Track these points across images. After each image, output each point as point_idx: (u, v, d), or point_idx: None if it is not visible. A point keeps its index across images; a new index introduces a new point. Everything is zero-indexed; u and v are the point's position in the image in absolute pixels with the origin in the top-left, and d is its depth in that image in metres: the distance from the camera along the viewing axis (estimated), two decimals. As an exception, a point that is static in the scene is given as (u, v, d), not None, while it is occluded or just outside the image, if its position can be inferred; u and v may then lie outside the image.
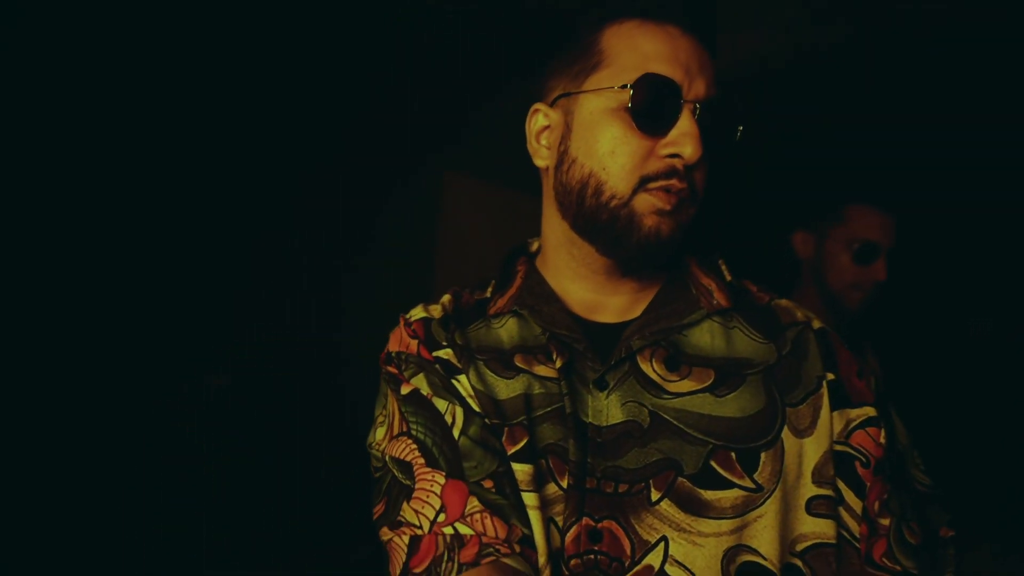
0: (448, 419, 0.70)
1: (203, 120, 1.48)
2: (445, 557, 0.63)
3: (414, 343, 0.75)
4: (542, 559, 0.64)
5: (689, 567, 0.63)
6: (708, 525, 0.64)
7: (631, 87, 0.67)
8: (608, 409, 0.68)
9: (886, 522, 0.68)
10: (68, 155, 1.33)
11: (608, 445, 0.67)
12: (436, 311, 0.78)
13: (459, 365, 0.73)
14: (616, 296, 0.75)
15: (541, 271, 0.79)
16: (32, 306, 1.27)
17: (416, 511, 0.65)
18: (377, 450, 0.72)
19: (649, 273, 0.75)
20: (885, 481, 0.69)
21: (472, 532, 0.63)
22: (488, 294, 0.80)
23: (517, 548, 0.63)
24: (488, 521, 0.64)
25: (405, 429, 0.70)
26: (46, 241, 1.28)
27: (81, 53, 1.39)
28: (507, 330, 0.75)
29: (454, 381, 0.72)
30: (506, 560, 0.62)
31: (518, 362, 0.72)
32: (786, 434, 0.67)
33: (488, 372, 0.72)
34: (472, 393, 0.71)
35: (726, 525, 0.64)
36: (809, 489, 0.67)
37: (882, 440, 0.69)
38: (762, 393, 0.69)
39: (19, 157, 1.26)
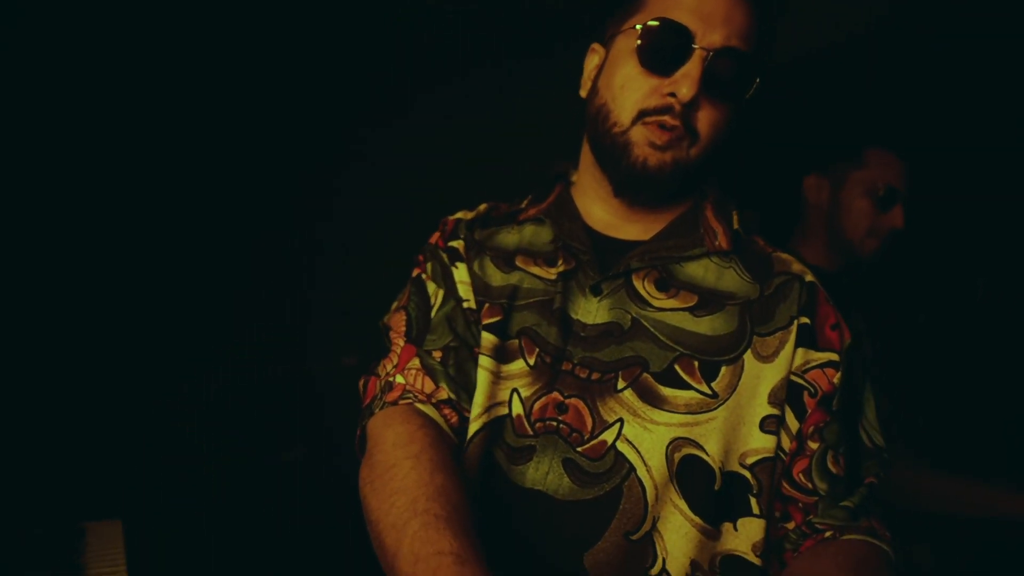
0: (432, 300, 0.86)
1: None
2: (378, 396, 0.81)
3: (438, 236, 0.91)
4: (476, 411, 0.77)
5: (637, 447, 0.73)
6: (660, 416, 0.74)
7: (641, 29, 0.76)
8: (596, 311, 0.80)
9: (815, 445, 0.75)
10: (62, 158, 1.32)
11: (589, 339, 0.78)
12: (469, 215, 0.93)
13: (464, 255, 0.87)
14: (630, 223, 0.85)
15: (573, 194, 0.90)
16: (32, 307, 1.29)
17: (383, 365, 0.84)
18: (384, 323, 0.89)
19: (664, 206, 0.84)
20: (826, 413, 0.76)
21: (403, 382, 0.81)
22: (523, 205, 0.93)
23: (433, 402, 0.79)
24: (419, 378, 0.80)
25: (404, 303, 0.88)
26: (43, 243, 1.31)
27: (81, 53, 1.38)
28: (522, 235, 0.88)
29: (453, 268, 0.87)
30: (419, 406, 0.78)
31: (518, 262, 0.85)
32: (748, 356, 0.76)
33: (490, 264, 0.85)
34: (467, 280, 0.85)
35: (676, 419, 0.74)
36: (764, 408, 0.75)
37: (835, 381, 0.76)
38: (735, 320, 0.78)
39: (16, 159, 1.28)
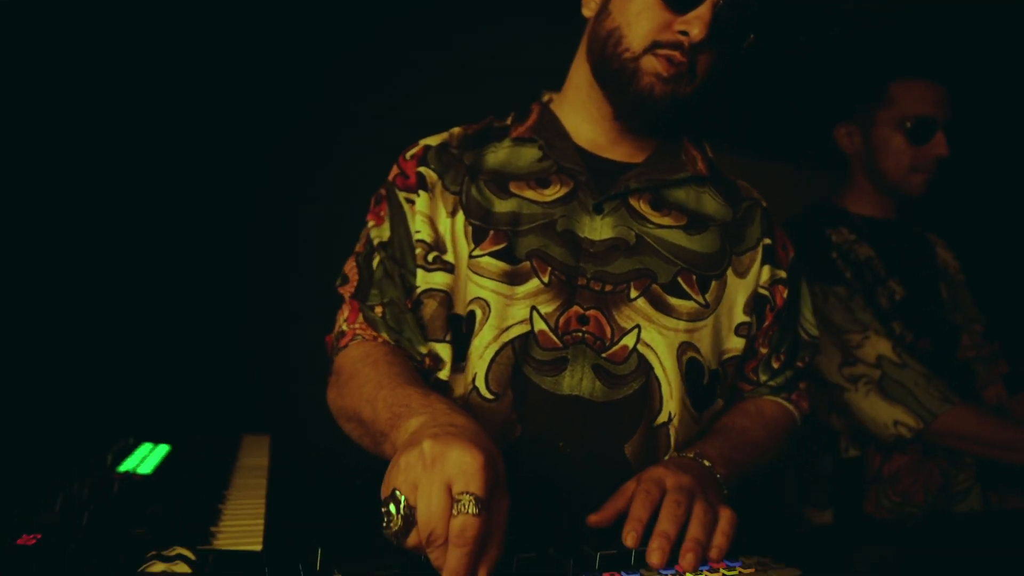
0: (376, 251, 0.91)
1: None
2: (335, 345, 0.92)
3: (397, 173, 0.94)
4: (490, 334, 0.83)
5: (655, 349, 0.84)
6: (670, 322, 0.85)
7: None
8: (601, 228, 0.88)
9: (764, 351, 0.94)
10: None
11: (599, 255, 0.86)
12: (437, 139, 0.95)
13: (430, 185, 0.90)
14: (619, 145, 0.93)
15: (556, 112, 0.95)
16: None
17: (337, 317, 0.93)
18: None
19: (649, 134, 0.93)
20: (776, 323, 0.94)
21: (352, 329, 0.90)
22: (509, 123, 0.97)
23: (379, 342, 0.88)
24: (365, 328, 0.90)
25: (357, 250, 0.95)
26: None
27: (81, 54, 1.46)
28: (516, 156, 0.92)
29: (409, 203, 0.91)
30: (368, 341, 0.88)
31: (512, 188, 0.89)
32: (730, 272, 0.90)
33: (487, 189, 0.89)
34: (426, 211, 0.89)
35: (682, 325, 0.86)
36: (740, 316, 0.91)
37: (785, 296, 0.94)
38: (718, 241, 0.91)
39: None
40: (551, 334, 0.83)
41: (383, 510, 0.56)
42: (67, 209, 1.50)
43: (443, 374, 0.86)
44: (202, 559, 0.60)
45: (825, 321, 1.33)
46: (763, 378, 0.96)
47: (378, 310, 0.90)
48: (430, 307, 0.87)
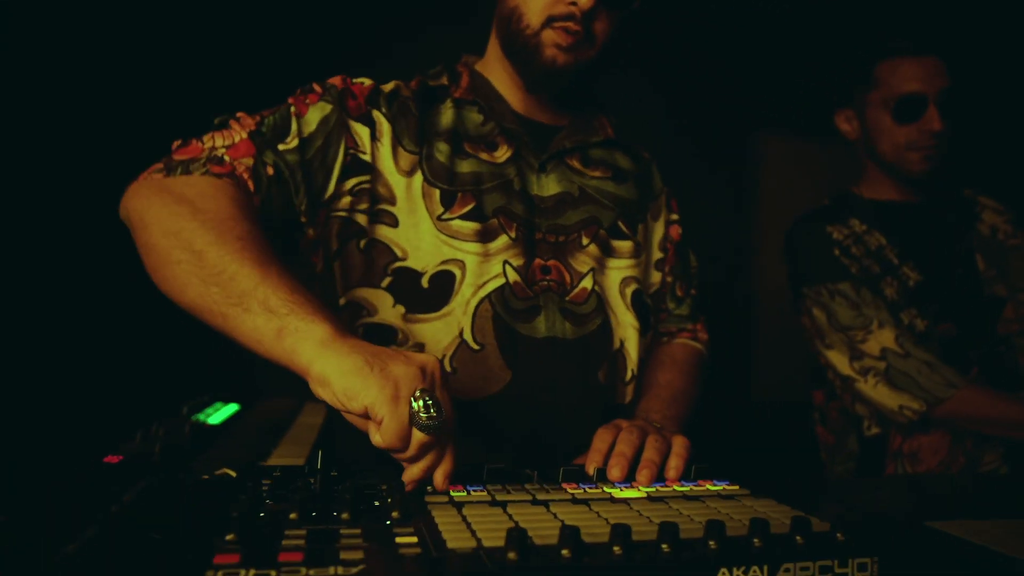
0: (298, 130, 0.86)
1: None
2: (202, 160, 0.79)
3: (345, 86, 0.92)
4: (468, 291, 0.89)
5: (607, 288, 0.98)
6: (616, 262, 1.00)
7: None
8: (548, 185, 0.98)
9: (670, 279, 1.10)
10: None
11: (549, 209, 0.97)
12: (387, 86, 0.96)
13: (378, 128, 0.90)
14: (542, 111, 1.02)
15: (486, 76, 1.02)
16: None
17: (212, 137, 0.83)
18: None
19: (564, 103, 1.03)
20: (676, 256, 1.11)
21: (231, 166, 0.80)
22: (445, 82, 1.00)
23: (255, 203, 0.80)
24: (245, 176, 0.80)
25: (267, 114, 0.87)
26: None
27: (81, 53, 1.52)
28: (462, 118, 0.97)
29: (362, 129, 0.89)
30: (243, 191, 0.79)
31: (468, 148, 0.95)
32: (648, 216, 1.07)
33: (447, 150, 0.93)
34: (368, 157, 0.89)
35: (625, 263, 1.00)
36: (657, 253, 1.08)
37: (680, 232, 1.11)
38: (636, 190, 1.06)
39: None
40: (524, 285, 0.92)
41: (427, 403, 0.60)
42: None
43: (378, 319, 0.89)
44: (244, 472, 0.73)
45: (832, 319, 1.38)
46: (671, 306, 1.11)
47: (270, 170, 0.83)
48: (371, 255, 0.89)
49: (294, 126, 0.86)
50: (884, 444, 1.37)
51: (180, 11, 1.74)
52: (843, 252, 1.40)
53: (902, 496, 0.94)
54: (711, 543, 0.50)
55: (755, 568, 0.49)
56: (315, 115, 0.88)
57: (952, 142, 1.36)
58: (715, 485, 0.70)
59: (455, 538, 0.49)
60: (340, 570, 0.42)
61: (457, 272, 0.90)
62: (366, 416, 0.60)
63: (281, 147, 0.85)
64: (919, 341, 1.33)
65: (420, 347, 0.89)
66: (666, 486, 0.69)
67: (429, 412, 0.60)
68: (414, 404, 0.60)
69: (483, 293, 0.90)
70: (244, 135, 0.84)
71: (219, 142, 0.83)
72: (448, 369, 0.88)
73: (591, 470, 0.71)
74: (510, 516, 0.56)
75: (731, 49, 2.91)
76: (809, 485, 0.89)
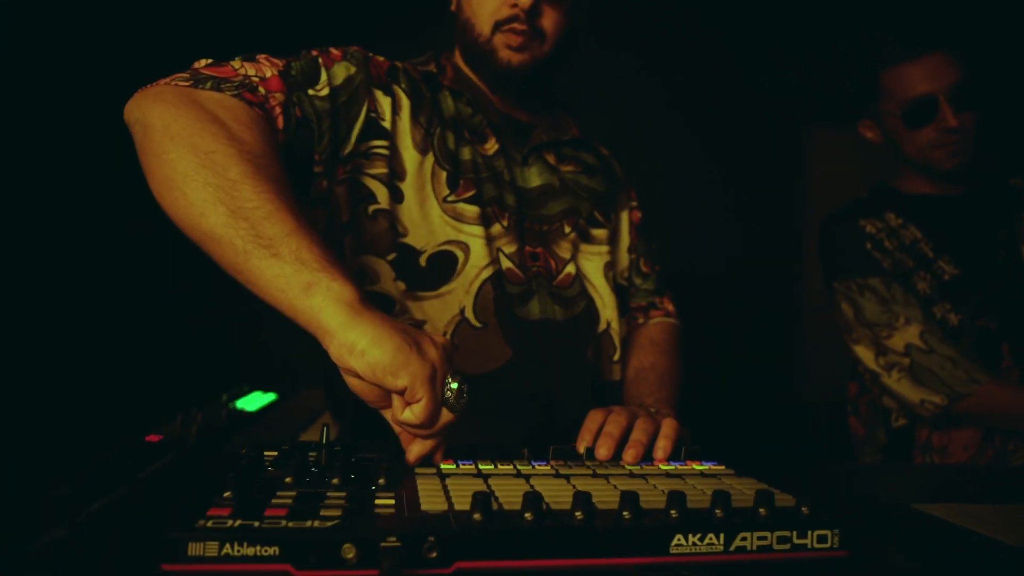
0: (327, 79, 0.87)
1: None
2: (235, 82, 0.77)
3: (363, 55, 0.93)
4: (474, 271, 0.94)
5: (588, 272, 1.05)
6: (595, 248, 1.07)
7: None
8: (530, 177, 1.04)
9: (633, 256, 1.16)
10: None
11: (533, 200, 1.03)
12: (400, 64, 0.99)
13: (398, 103, 0.93)
14: (515, 109, 1.06)
15: (465, 71, 1.05)
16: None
17: (242, 65, 0.81)
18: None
19: (532, 104, 1.08)
20: (638, 236, 1.17)
21: (263, 94, 0.79)
22: (434, 70, 1.03)
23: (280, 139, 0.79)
24: (276, 109, 0.80)
25: (288, 61, 0.87)
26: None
27: (81, 53, 1.55)
28: (458, 107, 1.01)
29: (384, 98, 0.92)
30: (270, 126, 0.77)
31: (466, 136, 1.00)
32: (618, 207, 1.15)
33: (451, 136, 0.98)
34: (390, 128, 0.92)
35: (603, 249, 1.07)
36: (626, 239, 1.15)
37: (639, 215, 1.18)
38: (604, 183, 1.13)
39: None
40: (517, 270, 0.97)
41: (462, 387, 0.64)
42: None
43: (379, 288, 0.91)
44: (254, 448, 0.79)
45: (859, 315, 1.38)
46: (638, 281, 1.17)
47: (298, 111, 0.83)
48: (381, 225, 0.92)
49: (324, 75, 0.87)
50: (911, 436, 1.36)
51: (179, 11, 1.79)
52: (875, 246, 1.39)
53: (907, 482, 0.93)
54: (672, 512, 0.53)
55: (711, 535, 0.51)
56: (341, 71, 0.89)
57: (986, 131, 1.33)
58: (701, 465, 0.72)
59: (430, 502, 0.54)
60: (316, 523, 0.47)
61: (460, 254, 0.94)
62: (398, 393, 0.61)
63: (311, 92, 0.85)
64: (951, 336, 1.31)
65: (419, 323, 0.92)
66: (652, 465, 0.72)
67: (463, 396, 0.64)
68: (452, 387, 0.63)
69: (485, 276, 0.94)
70: (274, 71, 0.83)
71: (251, 71, 0.81)
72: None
73: (581, 448, 0.74)
74: (489, 487, 0.60)
75: (777, 40, 2.87)
76: (808, 471, 0.90)
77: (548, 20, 0.96)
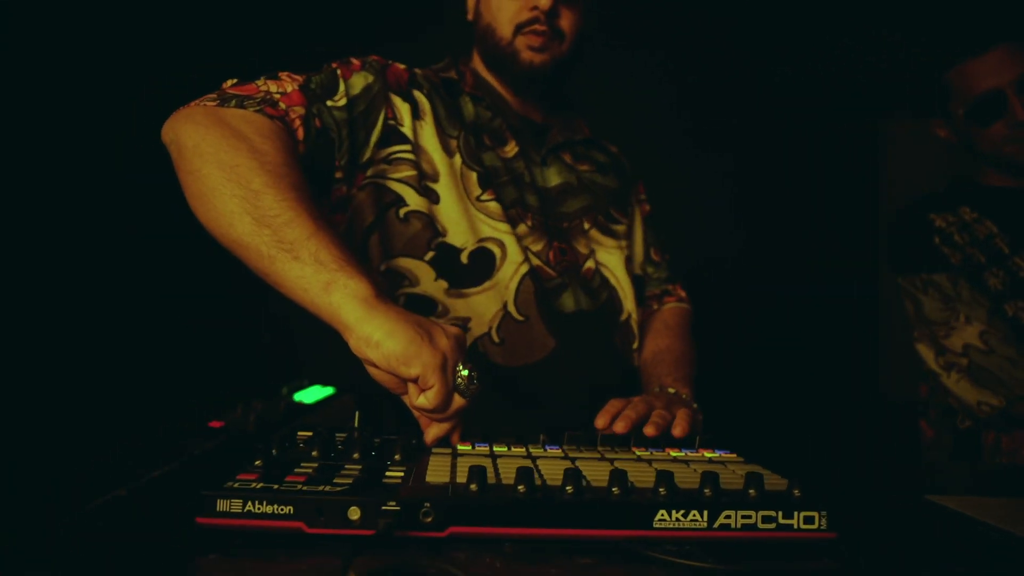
0: (346, 90, 0.92)
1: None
2: (256, 99, 0.83)
3: (383, 63, 0.98)
4: (511, 268, 0.99)
5: (609, 265, 1.11)
6: (613, 243, 1.13)
7: None
8: (549, 177, 1.10)
9: (646, 246, 1.21)
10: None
11: (552, 199, 1.08)
12: (418, 70, 1.05)
13: (419, 109, 0.98)
14: (530, 111, 1.12)
15: (484, 76, 1.10)
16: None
17: (264, 83, 0.87)
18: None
19: (546, 105, 1.13)
20: (649, 227, 1.24)
21: (284, 111, 0.84)
22: (454, 76, 1.08)
23: (300, 151, 0.84)
24: (296, 122, 0.85)
25: (308, 75, 0.92)
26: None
27: (81, 53, 1.53)
28: (478, 112, 1.05)
29: (403, 105, 0.97)
30: (291, 140, 0.82)
31: (486, 141, 1.05)
32: (632, 202, 1.21)
33: (473, 140, 1.03)
34: (411, 134, 0.96)
35: (622, 243, 1.14)
36: (639, 231, 1.21)
37: (648, 208, 1.26)
38: (617, 180, 1.19)
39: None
40: (546, 267, 1.03)
41: (472, 374, 0.69)
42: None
43: (420, 290, 0.95)
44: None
45: (919, 312, 1.36)
46: (650, 270, 1.23)
47: (318, 122, 0.88)
48: (415, 226, 0.95)
49: (342, 87, 0.92)
50: (978, 439, 1.31)
51: (179, 11, 1.82)
52: (944, 240, 1.36)
53: (944, 479, 0.91)
54: (661, 490, 0.56)
55: (695, 512, 0.54)
56: (359, 81, 0.94)
57: None
58: (712, 453, 0.74)
59: (435, 475, 0.59)
60: (328, 488, 0.53)
61: (496, 250, 0.99)
62: (412, 380, 0.66)
63: (330, 103, 0.90)
64: (1021, 335, 1.26)
65: (462, 320, 0.96)
66: (661, 451, 0.74)
67: (473, 382, 0.69)
68: (462, 374, 0.68)
69: (522, 271, 0.99)
70: (295, 86, 0.88)
71: (272, 88, 0.86)
72: (496, 340, 0.97)
73: (599, 424, 0.79)
74: (495, 465, 0.64)
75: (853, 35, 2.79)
76: (824, 461, 0.89)
77: (565, 20, 1.02)
